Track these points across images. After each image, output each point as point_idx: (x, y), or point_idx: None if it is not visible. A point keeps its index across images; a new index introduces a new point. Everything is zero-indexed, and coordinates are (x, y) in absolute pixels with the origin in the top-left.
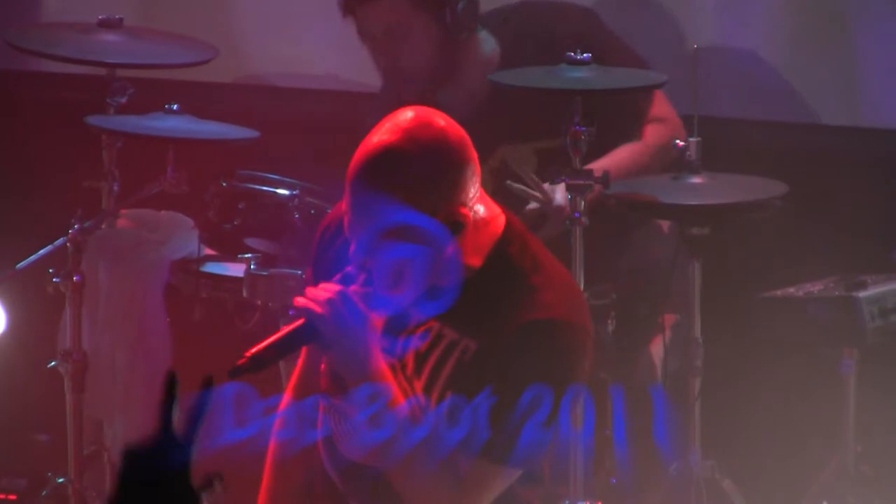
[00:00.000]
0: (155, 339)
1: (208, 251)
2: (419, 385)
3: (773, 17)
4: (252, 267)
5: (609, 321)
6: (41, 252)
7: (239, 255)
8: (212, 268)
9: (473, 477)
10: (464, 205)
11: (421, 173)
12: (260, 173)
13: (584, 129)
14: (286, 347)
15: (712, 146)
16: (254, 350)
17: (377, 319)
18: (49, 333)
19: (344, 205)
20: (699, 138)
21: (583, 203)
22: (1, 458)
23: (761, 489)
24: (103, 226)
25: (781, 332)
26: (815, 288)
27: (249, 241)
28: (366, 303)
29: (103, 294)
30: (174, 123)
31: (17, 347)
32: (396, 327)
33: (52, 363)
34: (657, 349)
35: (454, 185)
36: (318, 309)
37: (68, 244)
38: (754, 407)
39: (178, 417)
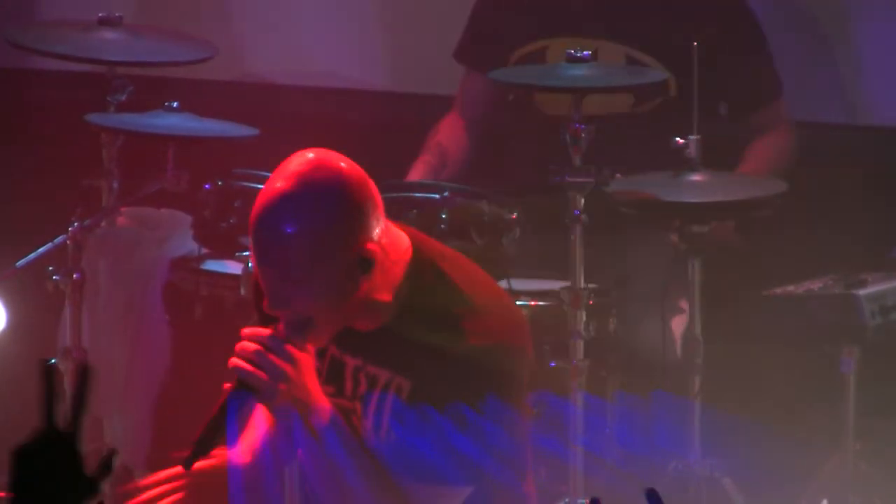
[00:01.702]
0: (154, 337)
1: (206, 250)
2: (368, 425)
3: (772, 15)
4: (251, 265)
5: (610, 319)
6: (41, 250)
7: (236, 254)
8: (212, 265)
9: (422, 500)
10: (370, 240)
11: (319, 216)
12: (256, 171)
13: (583, 126)
14: (223, 418)
15: (712, 144)
16: (196, 436)
17: (310, 362)
18: (49, 331)
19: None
20: (699, 136)
21: (582, 201)
22: (0, 456)
23: (761, 487)
24: (103, 224)
25: (781, 329)
26: (815, 286)
27: (244, 240)
28: (294, 345)
29: (103, 292)
30: (174, 121)
31: (16, 345)
32: (332, 372)
33: (52, 361)
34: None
35: (356, 224)
36: (246, 365)
37: (68, 242)
38: (754, 404)
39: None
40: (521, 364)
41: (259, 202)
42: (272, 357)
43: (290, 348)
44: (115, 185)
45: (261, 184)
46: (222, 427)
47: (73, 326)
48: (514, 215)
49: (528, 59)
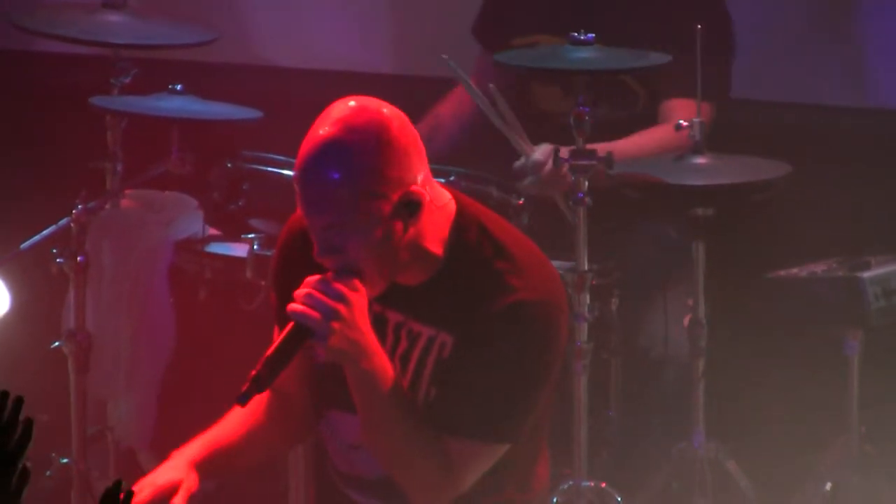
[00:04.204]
0: (158, 320)
1: (213, 231)
2: (405, 384)
3: None
4: (256, 247)
5: (613, 300)
6: (45, 232)
7: (242, 236)
8: (216, 248)
9: (462, 457)
10: (415, 184)
11: (365, 159)
12: (264, 154)
13: (587, 109)
14: (284, 356)
15: (716, 127)
16: (254, 371)
17: (363, 304)
18: (53, 314)
19: (299, 203)
20: (703, 119)
21: (586, 183)
22: None
23: (765, 470)
24: (107, 206)
25: (785, 312)
26: (819, 268)
27: (253, 222)
28: (346, 288)
29: (107, 274)
30: (178, 104)
31: (21, 328)
32: (374, 328)
33: (56, 343)
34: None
35: (401, 166)
36: (303, 307)
37: (72, 224)
38: (758, 388)
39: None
40: (563, 320)
41: (304, 151)
42: (325, 298)
43: (342, 288)
44: (120, 167)
45: (270, 166)
46: (282, 363)
47: (77, 309)
48: (521, 201)
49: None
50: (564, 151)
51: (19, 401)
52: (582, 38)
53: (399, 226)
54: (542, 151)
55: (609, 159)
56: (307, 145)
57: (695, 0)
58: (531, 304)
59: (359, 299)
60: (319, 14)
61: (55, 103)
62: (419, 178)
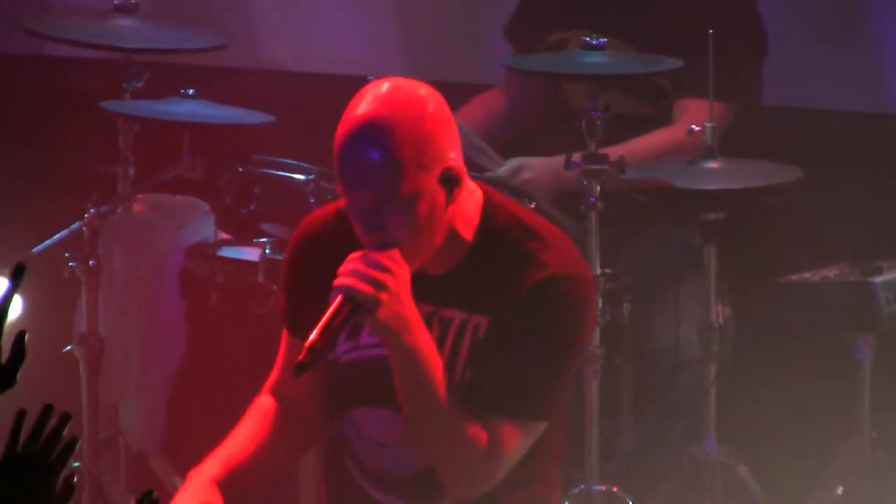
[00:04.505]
0: (170, 324)
1: (224, 236)
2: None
3: (791, 3)
4: (267, 251)
5: (624, 304)
6: (57, 236)
7: (254, 240)
8: (228, 252)
9: (501, 437)
10: (454, 160)
11: (407, 130)
12: (275, 158)
13: (599, 114)
14: (336, 328)
15: (728, 131)
16: (308, 342)
17: (406, 277)
18: (65, 318)
19: (340, 181)
20: (715, 123)
21: (598, 188)
22: None
23: (776, 475)
24: (119, 210)
25: (797, 317)
26: (831, 273)
27: (265, 226)
28: (390, 261)
29: (119, 278)
30: (190, 108)
31: (32, 332)
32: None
33: (68, 347)
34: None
35: (443, 138)
36: (348, 279)
37: (84, 228)
38: (770, 392)
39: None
40: (593, 296)
41: (344, 128)
42: (371, 270)
43: (387, 261)
44: (131, 171)
45: (281, 170)
46: (334, 335)
47: (89, 313)
48: (532, 205)
49: (551, 48)
50: (577, 156)
51: (66, 416)
52: (594, 42)
53: (441, 200)
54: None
55: (621, 163)
56: (347, 123)
57: (726, 1)
58: (563, 279)
59: (402, 272)
60: (330, 18)
61: (66, 107)
62: (454, 156)
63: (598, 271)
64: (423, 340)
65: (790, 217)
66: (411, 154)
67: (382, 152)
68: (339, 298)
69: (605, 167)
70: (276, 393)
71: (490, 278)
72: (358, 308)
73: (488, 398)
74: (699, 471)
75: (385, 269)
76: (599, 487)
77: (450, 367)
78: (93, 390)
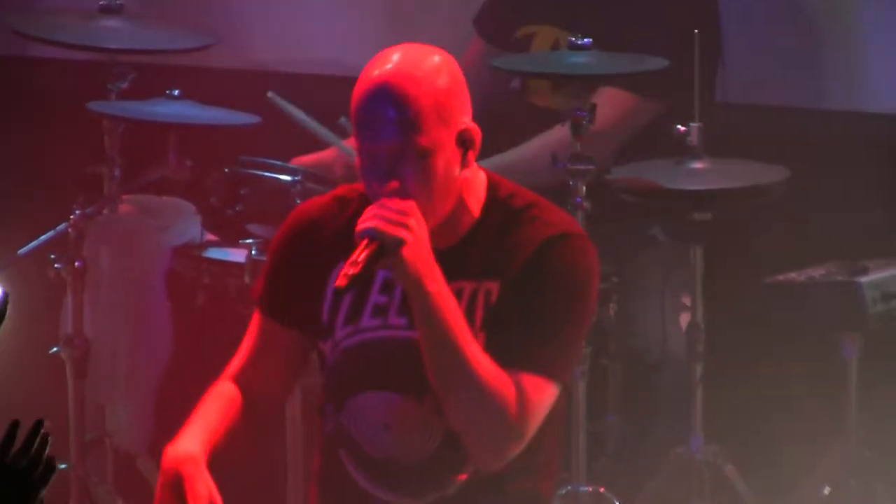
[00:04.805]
0: (156, 325)
1: (210, 237)
2: None
3: (775, 0)
4: (253, 252)
5: (611, 304)
6: (43, 237)
7: (240, 241)
8: (214, 253)
9: (523, 394)
10: (470, 124)
11: (428, 84)
12: (262, 159)
13: (584, 114)
14: (367, 263)
15: (714, 131)
16: (346, 272)
17: (423, 224)
18: (50, 319)
19: (358, 136)
20: (700, 123)
21: (584, 188)
22: None
23: (763, 474)
24: (105, 211)
25: (783, 317)
26: (817, 273)
27: (251, 227)
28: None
29: (105, 279)
30: (176, 109)
31: (18, 333)
32: (407, 300)
33: (55, 349)
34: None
35: (459, 99)
36: (371, 220)
37: (70, 230)
38: (756, 392)
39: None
40: (596, 258)
41: (364, 85)
42: (393, 213)
43: (406, 206)
44: (117, 172)
45: (268, 171)
46: (367, 271)
47: (74, 314)
48: None
49: (517, 44)
50: (563, 155)
51: (46, 436)
52: (579, 42)
53: (456, 161)
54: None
55: (607, 163)
56: (367, 78)
57: (691, 2)
58: (570, 236)
59: (420, 219)
60: (317, 19)
61: (52, 108)
62: (469, 120)
63: None
64: (446, 290)
65: (776, 217)
66: (431, 106)
67: (403, 103)
68: (364, 242)
69: (591, 167)
70: (239, 380)
71: (497, 245)
72: (383, 249)
73: (507, 355)
74: (686, 471)
75: (405, 213)
76: (586, 488)
77: (470, 324)
78: (79, 392)
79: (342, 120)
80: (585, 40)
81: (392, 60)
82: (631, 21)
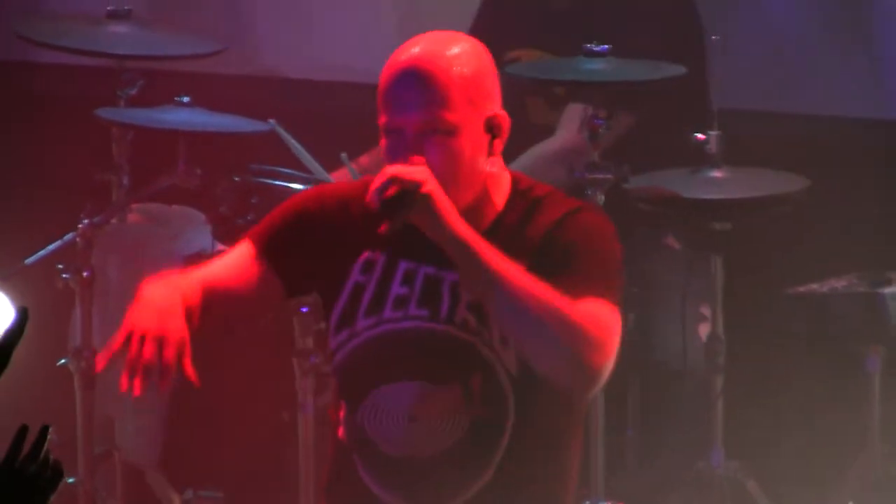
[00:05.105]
0: None
1: (221, 246)
2: (481, 328)
3: (796, 6)
4: None
5: (629, 315)
6: (50, 247)
7: None
8: None
9: (589, 309)
10: (501, 112)
11: (463, 62)
12: (272, 167)
13: (602, 122)
14: (393, 206)
15: (733, 139)
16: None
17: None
18: (60, 330)
19: (385, 110)
20: (719, 131)
21: (602, 197)
22: None
23: (785, 490)
24: (114, 220)
25: (805, 329)
26: (840, 284)
27: None
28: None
29: (114, 289)
30: (185, 116)
31: (25, 344)
32: (427, 293)
33: (63, 361)
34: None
35: (492, 83)
36: (393, 170)
37: (78, 239)
38: (778, 405)
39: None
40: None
41: (391, 69)
42: (408, 168)
43: (423, 164)
44: (126, 180)
45: (279, 180)
46: (397, 214)
47: (83, 326)
48: None
49: (507, 65)
50: (580, 165)
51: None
52: (596, 49)
53: (482, 146)
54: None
55: (625, 173)
56: (398, 58)
57: (677, 27)
58: (588, 208)
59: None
60: (329, 24)
61: (60, 115)
62: (499, 109)
63: None
64: (474, 232)
65: (797, 227)
66: (460, 85)
67: (432, 78)
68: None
69: (609, 176)
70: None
71: (520, 231)
72: (405, 195)
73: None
74: (707, 486)
75: (418, 165)
76: (605, 503)
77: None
78: (87, 404)
79: (343, 156)
80: (602, 46)
81: (421, 43)
82: (613, 40)
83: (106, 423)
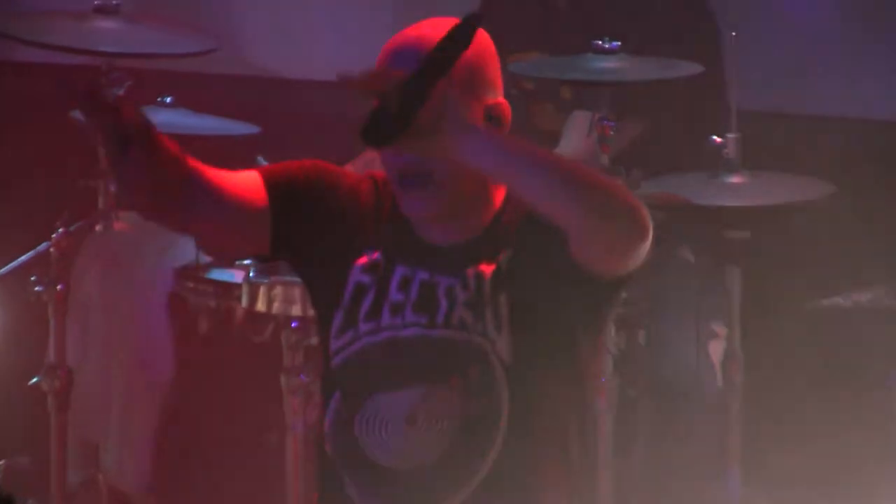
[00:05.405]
0: (157, 354)
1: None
2: (483, 324)
3: (822, 8)
4: (251, 274)
5: (640, 331)
6: (22, 258)
7: (237, 262)
8: (218, 275)
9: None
10: (501, 99)
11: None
12: None
13: (612, 123)
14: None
15: (753, 142)
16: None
17: None
18: (37, 345)
19: None
20: (738, 134)
21: None
22: None
23: None
24: (98, 228)
25: (828, 344)
26: (864, 297)
27: None
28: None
29: (96, 303)
30: (168, 118)
31: (1, 361)
32: (423, 299)
33: (35, 379)
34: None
35: (494, 73)
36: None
37: (52, 249)
38: (798, 426)
39: None
40: None
41: (387, 49)
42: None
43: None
44: (112, 186)
45: None
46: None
47: (57, 342)
48: None
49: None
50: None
51: None
52: (607, 46)
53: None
54: None
55: (635, 178)
56: (393, 40)
57: (691, 22)
58: None
59: None
60: (320, 22)
61: (42, 117)
62: (501, 97)
63: None
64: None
65: (820, 236)
66: (465, 71)
67: None
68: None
69: (618, 179)
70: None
71: (511, 230)
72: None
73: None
74: None
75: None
76: None
77: (495, 298)
78: (62, 426)
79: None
80: (613, 43)
81: (420, 27)
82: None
83: (90, 447)
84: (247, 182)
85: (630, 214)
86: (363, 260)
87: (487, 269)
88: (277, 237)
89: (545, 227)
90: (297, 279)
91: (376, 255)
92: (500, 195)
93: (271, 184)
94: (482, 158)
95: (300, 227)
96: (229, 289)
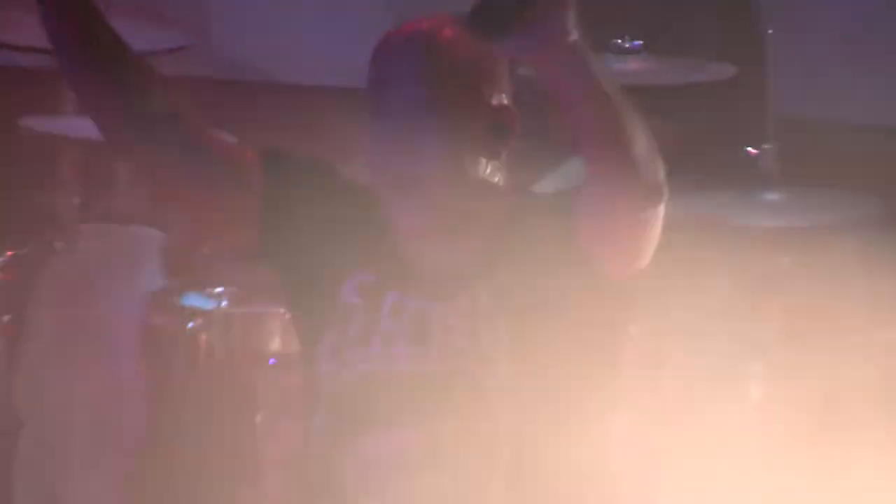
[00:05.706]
0: (129, 395)
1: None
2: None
3: (845, 13)
4: (223, 303)
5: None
6: None
7: (207, 290)
8: (194, 300)
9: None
10: (511, 106)
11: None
12: None
13: None
14: None
15: (792, 154)
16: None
17: None
18: None
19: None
20: (775, 144)
21: None
22: None
23: None
24: (58, 245)
25: (885, 382)
26: None
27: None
28: None
29: (56, 335)
30: None
31: None
32: (415, 330)
33: None
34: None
35: (500, 74)
36: None
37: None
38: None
39: None
40: None
41: (379, 46)
42: None
43: None
44: (76, 200)
45: None
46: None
47: (3, 381)
48: None
49: None
50: None
51: None
52: (627, 45)
53: (480, 139)
54: None
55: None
56: (386, 35)
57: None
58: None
59: None
60: (307, 20)
61: None
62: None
63: None
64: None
65: (872, 260)
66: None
67: (424, 53)
68: None
69: None
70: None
71: (509, 247)
72: None
73: None
74: None
75: None
76: None
77: (492, 324)
78: (6, 475)
79: None
80: (635, 43)
81: (417, 21)
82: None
83: (49, 501)
84: (240, 148)
85: (656, 169)
86: (356, 279)
87: (484, 293)
88: (267, 229)
89: (544, 245)
90: (275, 310)
91: (368, 275)
92: (495, 213)
93: (272, 167)
94: (581, 70)
95: (297, 224)
96: (206, 316)
